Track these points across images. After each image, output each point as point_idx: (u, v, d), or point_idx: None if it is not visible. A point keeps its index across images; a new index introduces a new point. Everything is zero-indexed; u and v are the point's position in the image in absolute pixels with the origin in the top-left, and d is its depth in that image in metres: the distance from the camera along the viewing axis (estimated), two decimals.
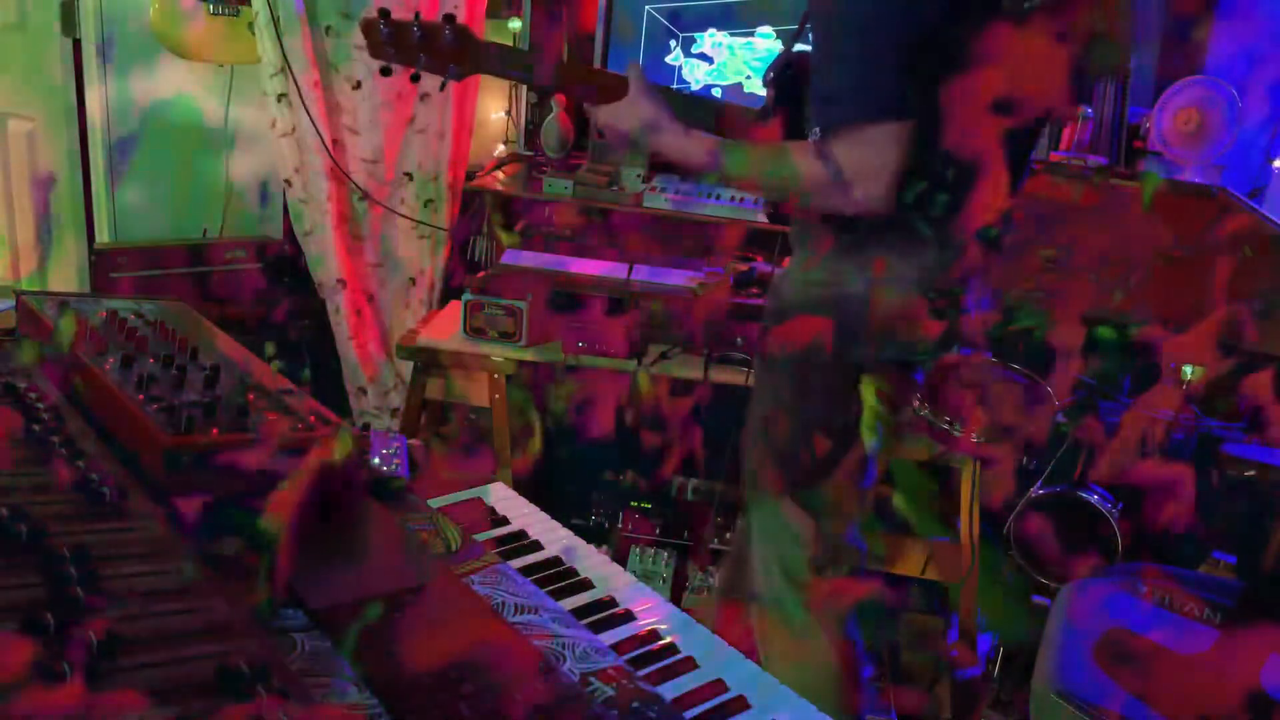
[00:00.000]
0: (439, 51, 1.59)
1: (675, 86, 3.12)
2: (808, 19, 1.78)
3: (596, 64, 3.08)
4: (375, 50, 1.61)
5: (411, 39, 1.58)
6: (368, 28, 1.60)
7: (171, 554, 0.84)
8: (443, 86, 1.66)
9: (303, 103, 2.85)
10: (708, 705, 0.91)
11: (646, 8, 3.07)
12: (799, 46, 1.78)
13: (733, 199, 2.94)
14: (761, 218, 2.77)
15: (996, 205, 1.60)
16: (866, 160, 1.42)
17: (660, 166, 3.04)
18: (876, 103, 1.41)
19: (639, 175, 3.03)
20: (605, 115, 1.65)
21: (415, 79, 1.65)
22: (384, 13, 1.58)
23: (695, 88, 3.13)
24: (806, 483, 1.71)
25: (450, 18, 1.59)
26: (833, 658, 1.73)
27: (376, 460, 1.16)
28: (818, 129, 1.59)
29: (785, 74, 1.73)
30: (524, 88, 3.39)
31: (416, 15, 1.61)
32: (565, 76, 1.66)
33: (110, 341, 1.17)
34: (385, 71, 1.65)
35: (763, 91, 1.81)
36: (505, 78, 1.76)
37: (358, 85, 2.97)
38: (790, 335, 1.68)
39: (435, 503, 1.20)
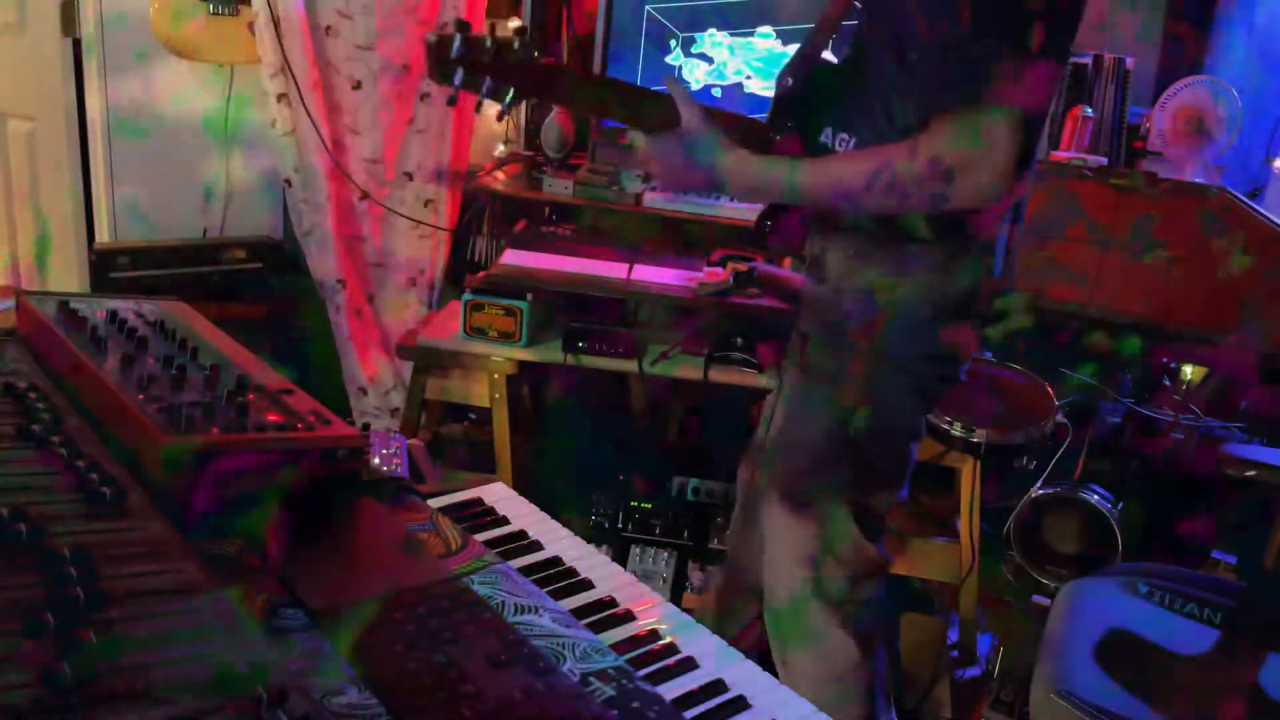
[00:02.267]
0: (504, 74, 1.39)
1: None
2: (832, 23, 1.73)
3: (597, 64, 3.07)
4: (443, 71, 1.37)
5: (485, 56, 1.38)
6: (441, 46, 1.36)
7: (171, 554, 0.84)
8: (501, 117, 1.46)
9: (303, 103, 2.85)
10: (708, 705, 0.91)
11: (646, 8, 3.07)
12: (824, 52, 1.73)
13: (732, 199, 2.94)
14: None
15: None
16: (980, 149, 1.32)
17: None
18: (988, 88, 1.31)
19: (639, 175, 3.03)
20: (657, 157, 1.54)
21: (451, 101, 1.44)
22: (463, 25, 1.38)
23: (695, 88, 3.13)
24: (863, 497, 1.67)
25: (522, 30, 1.46)
26: (859, 675, 1.70)
27: (376, 460, 1.16)
28: (849, 130, 1.55)
29: (808, 76, 1.67)
30: None
31: (492, 27, 1.45)
32: (608, 103, 1.54)
33: (110, 341, 1.17)
34: (451, 101, 1.43)
35: (763, 91, 1.77)
36: (568, 107, 1.60)
37: (358, 85, 2.97)
38: (842, 342, 1.64)
39: (435, 503, 1.20)
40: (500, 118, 1.46)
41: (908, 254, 1.55)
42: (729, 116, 1.62)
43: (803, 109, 1.66)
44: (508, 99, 1.41)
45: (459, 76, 1.37)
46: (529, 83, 1.42)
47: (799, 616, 1.72)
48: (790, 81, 1.69)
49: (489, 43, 1.37)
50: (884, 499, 1.72)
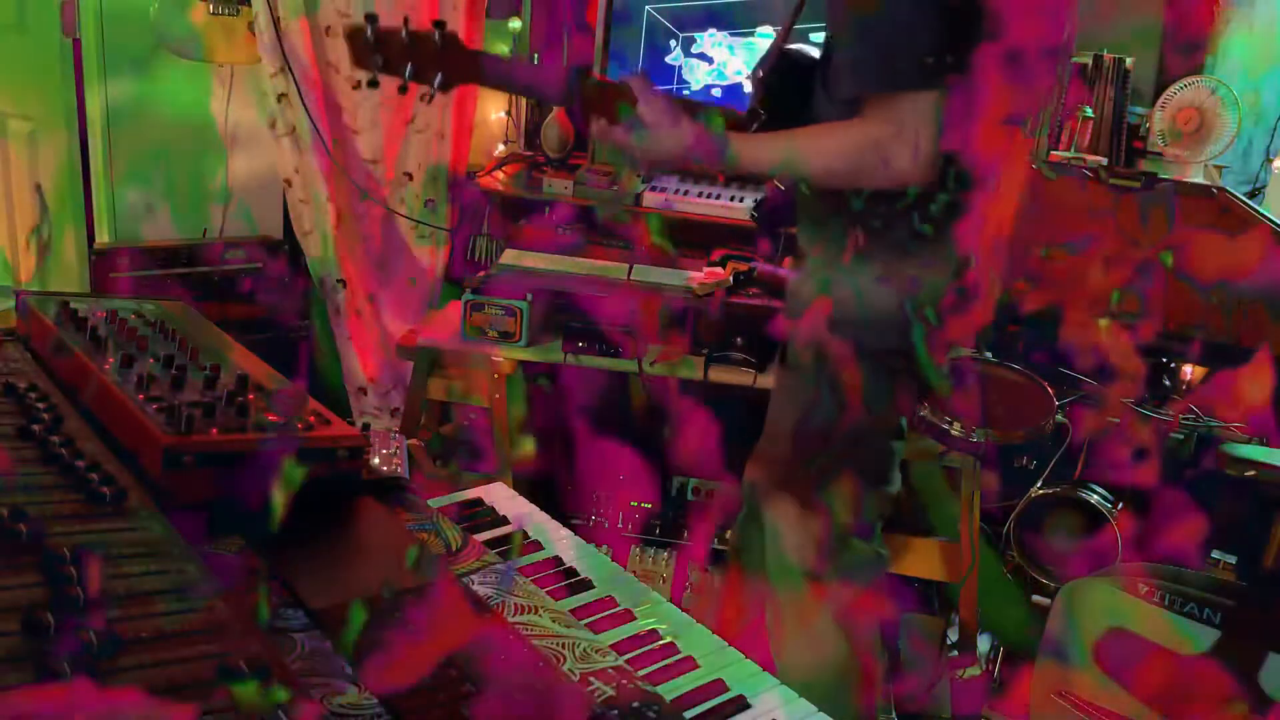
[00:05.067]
0: (426, 60, 1.51)
1: (674, 89, 3.12)
2: (800, 10, 1.76)
3: (597, 64, 3.07)
4: (360, 58, 1.52)
5: (399, 46, 1.50)
6: (353, 35, 1.51)
7: (171, 554, 0.84)
8: (430, 99, 1.58)
9: (303, 103, 2.84)
10: (708, 705, 0.91)
11: (646, 8, 3.07)
12: (793, 44, 1.77)
13: (733, 198, 2.94)
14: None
15: (999, 205, 1.60)
16: (903, 130, 1.41)
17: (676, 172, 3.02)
18: (907, 72, 1.40)
19: (639, 175, 3.03)
20: (612, 130, 1.60)
21: (402, 90, 1.57)
22: (371, 18, 1.51)
23: (695, 88, 3.13)
24: (826, 481, 1.70)
25: (440, 24, 1.52)
26: (848, 660, 1.72)
27: (376, 460, 1.16)
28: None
29: (778, 71, 1.72)
30: None
31: (405, 20, 1.52)
32: (571, 93, 1.59)
33: (110, 341, 1.17)
34: (372, 84, 1.56)
35: None
36: (498, 90, 1.71)
37: (358, 85, 2.96)
38: (816, 336, 1.67)
39: (435, 503, 1.20)
40: (429, 99, 1.59)
41: (879, 248, 1.57)
42: (694, 105, 1.69)
43: (773, 97, 1.70)
44: (435, 83, 1.53)
45: (378, 63, 1.50)
46: (453, 67, 1.53)
47: (790, 607, 1.76)
48: (760, 72, 1.74)
49: (404, 34, 1.49)
50: (869, 495, 1.73)
